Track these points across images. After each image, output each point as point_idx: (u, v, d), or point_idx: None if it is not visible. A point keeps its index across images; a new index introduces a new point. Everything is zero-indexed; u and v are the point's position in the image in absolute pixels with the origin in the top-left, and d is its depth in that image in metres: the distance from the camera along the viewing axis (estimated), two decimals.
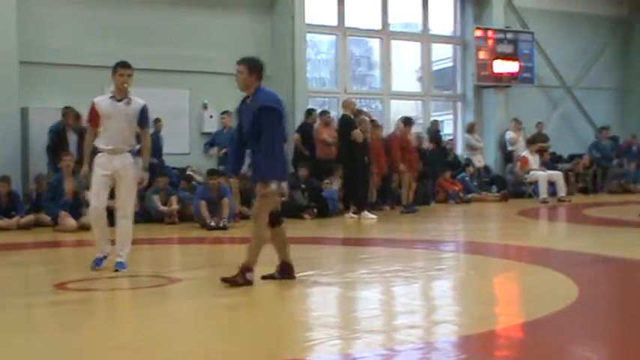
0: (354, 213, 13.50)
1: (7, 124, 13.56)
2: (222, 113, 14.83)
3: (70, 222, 11.89)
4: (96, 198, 7.57)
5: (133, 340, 4.92)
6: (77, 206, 12.18)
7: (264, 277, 6.80)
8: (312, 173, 14.59)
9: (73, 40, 14.60)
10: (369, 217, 13.31)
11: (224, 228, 11.81)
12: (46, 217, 12.43)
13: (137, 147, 8.03)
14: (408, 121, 15.48)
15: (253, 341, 4.87)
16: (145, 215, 13.00)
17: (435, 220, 14.07)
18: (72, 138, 13.00)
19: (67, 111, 13.07)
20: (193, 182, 14.29)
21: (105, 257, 7.65)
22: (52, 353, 4.61)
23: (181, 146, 15.51)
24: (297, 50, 16.60)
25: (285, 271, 6.83)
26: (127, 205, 7.69)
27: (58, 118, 13.20)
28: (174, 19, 15.72)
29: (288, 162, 6.65)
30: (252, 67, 6.61)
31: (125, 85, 7.67)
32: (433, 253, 9.35)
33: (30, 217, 12.53)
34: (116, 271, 7.44)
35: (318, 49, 19.48)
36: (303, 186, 14.23)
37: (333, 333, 5.05)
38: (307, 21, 17.02)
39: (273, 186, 6.54)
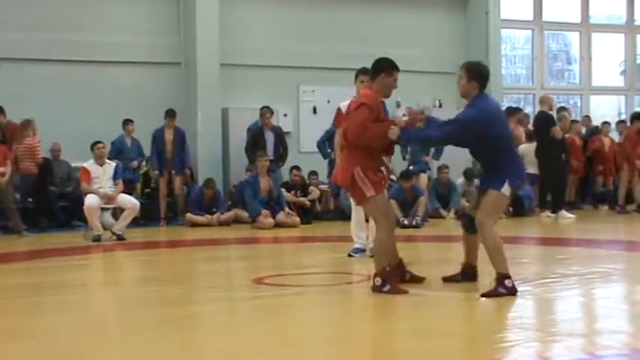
0: (551, 212, 13.08)
1: (210, 125, 14.22)
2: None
3: (268, 220, 12.27)
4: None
5: (331, 333, 4.98)
6: (271, 204, 12.54)
7: (445, 279, 6.60)
8: None
9: (269, 41, 15.08)
10: (567, 216, 12.87)
11: (417, 226, 11.79)
12: (243, 214, 12.90)
13: None
14: (636, 117, 14.71)
15: (447, 340, 4.80)
16: (339, 213, 13.22)
17: None
18: (269, 137, 13.40)
19: (265, 110, 13.46)
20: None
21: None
22: (257, 343, 4.75)
23: None
24: (491, 46, 16.33)
25: (469, 274, 6.53)
26: None
27: (255, 118, 13.64)
28: (367, 18, 15.88)
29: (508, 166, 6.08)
30: (472, 73, 6.12)
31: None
32: (638, 255, 8.84)
33: (230, 214, 13.08)
34: (371, 257, 7.92)
35: (513, 45, 19.05)
36: None
37: (530, 335, 4.88)
38: (502, 16, 16.69)
39: (504, 192, 6.09)
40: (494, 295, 5.91)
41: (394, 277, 6.18)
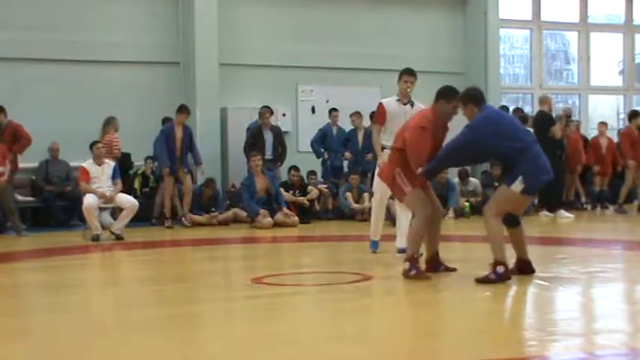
0: (548, 211, 13.10)
1: (209, 125, 14.23)
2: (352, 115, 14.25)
3: (267, 220, 12.27)
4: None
5: (330, 332, 4.98)
6: (269, 203, 12.53)
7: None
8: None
9: (267, 41, 15.10)
10: (565, 215, 12.90)
11: None
12: (242, 214, 12.90)
13: None
14: (634, 115, 14.66)
15: (446, 339, 4.81)
16: (337, 212, 13.24)
17: None
18: (268, 136, 13.40)
19: (264, 110, 13.45)
20: None
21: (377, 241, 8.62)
22: (253, 342, 4.75)
23: None
24: (489, 46, 16.35)
25: (524, 269, 6.75)
26: None
27: (254, 117, 13.65)
28: (366, 18, 15.88)
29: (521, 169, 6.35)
30: (465, 99, 6.59)
31: (408, 90, 8.23)
32: (637, 254, 8.85)
33: (229, 214, 13.08)
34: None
35: (512, 44, 19.07)
36: (496, 184, 13.93)
37: (529, 334, 4.89)
38: (501, 16, 16.71)
39: (514, 188, 6.39)
40: (485, 281, 6.29)
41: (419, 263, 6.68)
